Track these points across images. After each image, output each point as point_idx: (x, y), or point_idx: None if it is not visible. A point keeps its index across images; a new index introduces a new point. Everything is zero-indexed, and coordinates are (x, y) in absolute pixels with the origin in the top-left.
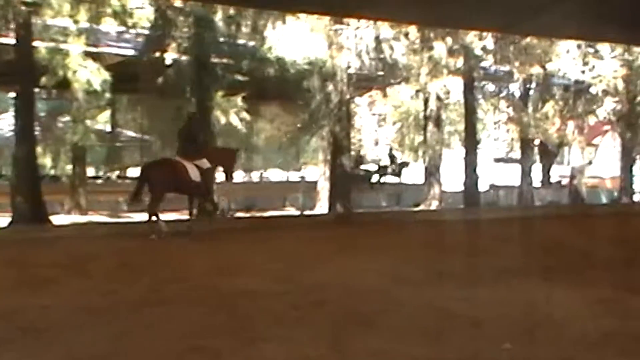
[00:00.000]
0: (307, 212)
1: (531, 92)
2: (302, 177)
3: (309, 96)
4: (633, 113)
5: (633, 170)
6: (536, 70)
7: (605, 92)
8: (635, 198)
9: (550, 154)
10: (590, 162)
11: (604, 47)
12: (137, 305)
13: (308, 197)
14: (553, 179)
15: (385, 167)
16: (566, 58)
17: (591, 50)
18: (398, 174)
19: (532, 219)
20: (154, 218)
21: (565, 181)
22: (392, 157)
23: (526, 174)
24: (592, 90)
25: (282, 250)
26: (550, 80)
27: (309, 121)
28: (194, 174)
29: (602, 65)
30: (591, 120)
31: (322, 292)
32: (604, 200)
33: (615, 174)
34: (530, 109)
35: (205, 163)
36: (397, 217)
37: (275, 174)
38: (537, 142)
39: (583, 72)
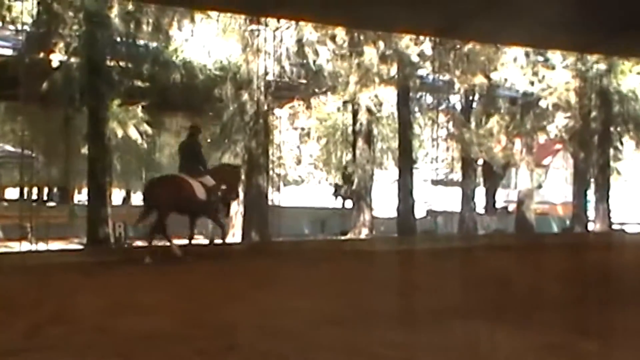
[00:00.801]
0: (217, 241)
1: (474, 105)
2: None
3: (220, 106)
4: (587, 130)
5: (587, 196)
6: (479, 80)
7: (557, 106)
8: (590, 227)
9: (495, 176)
10: (539, 186)
11: (554, 56)
12: (6, 354)
13: None
14: (498, 205)
15: (340, 188)
16: (513, 67)
17: (541, 58)
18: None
19: (474, 250)
20: (159, 242)
21: (511, 207)
22: (347, 177)
23: (468, 198)
24: (542, 103)
25: (188, 285)
26: (495, 92)
27: (221, 136)
28: (200, 193)
29: (553, 76)
30: (541, 138)
31: (232, 335)
32: (555, 229)
33: (568, 200)
34: (472, 125)
35: (209, 180)
36: (321, 247)
37: None
38: (480, 162)
39: (532, 83)
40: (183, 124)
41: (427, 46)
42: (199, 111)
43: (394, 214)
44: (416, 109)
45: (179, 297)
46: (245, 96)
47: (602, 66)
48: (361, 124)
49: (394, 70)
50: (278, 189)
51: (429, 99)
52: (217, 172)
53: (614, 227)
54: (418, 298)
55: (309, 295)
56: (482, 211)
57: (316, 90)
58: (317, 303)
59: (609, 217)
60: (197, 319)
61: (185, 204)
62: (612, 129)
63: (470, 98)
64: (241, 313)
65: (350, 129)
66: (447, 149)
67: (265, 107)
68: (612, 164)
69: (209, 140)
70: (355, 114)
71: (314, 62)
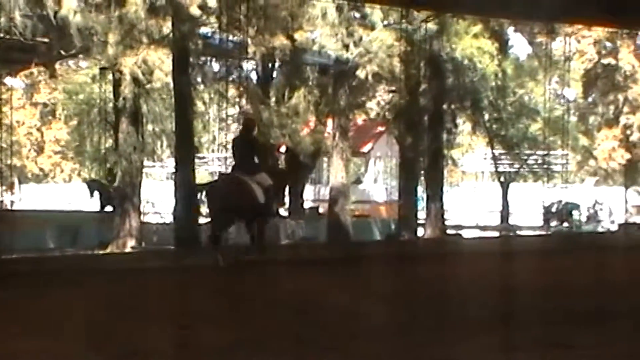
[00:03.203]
0: None
1: (274, 75)
2: None
3: None
4: (415, 108)
5: (417, 193)
6: (280, 42)
7: (378, 77)
8: (420, 232)
9: (301, 167)
10: (358, 180)
11: (374, 12)
12: None
13: None
14: (306, 205)
15: (97, 185)
16: (323, 26)
17: (357, 15)
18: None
19: (274, 267)
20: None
21: (322, 208)
22: (107, 171)
23: None
24: (360, 73)
25: None
26: (300, 58)
27: None
28: (260, 194)
29: (373, 38)
30: (359, 118)
31: None
32: (377, 235)
33: (393, 198)
34: (272, 101)
35: (266, 179)
36: (70, 265)
37: None
38: (282, 149)
39: (346, 47)
40: None
41: None
42: None
43: (171, 219)
44: (199, 79)
45: None
46: None
47: (432, 26)
48: (125, 99)
49: (167, 27)
50: (10, 188)
51: (215, 66)
52: (272, 170)
53: (449, 232)
54: (195, 332)
55: (41, 334)
56: (286, 214)
57: (62, 52)
58: (51, 344)
59: (443, 220)
60: None
61: (247, 207)
62: (445, 106)
63: (269, 66)
64: None
65: (110, 106)
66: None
67: None
68: (445, 151)
69: None
70: (116, 85)
71: (56, 13)
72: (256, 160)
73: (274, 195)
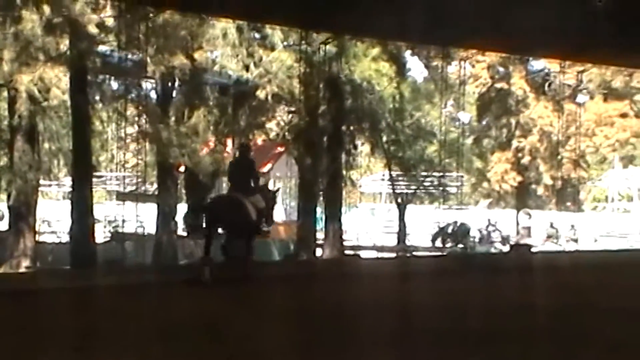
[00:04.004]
0: None
1: (174, 95)
2: None
3: None
4: (314, 129)
5: (316, 213)
6: (180, 61)
7: (277, 98)
8: (318, 252)
9: (201, 187)
10: None
11: (274, 32)
12: None
13: None
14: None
15: None
16: (223, 46)
17: (257, 36)
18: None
19: (171, 289)
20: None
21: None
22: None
23: (166, 216)
24: (260, 94)
25: None
26: (200, 78)
27: None
28: (254, 214)
29: (273, 59)
30: (259, 139)
31: None
32: (276, 255)
33: (292, 218)
34: (172, 120)
35: (260, 201)
36: None
37: None
38: (182, 169)
39: (247, 67)
40: None
41: (109, 14)
42: None
43: (67, 239)
44: (97, 97)
45: None
46: None
47: (332, 48)
48: (20, 116)
49: (65, 45)
50: None
51: (114, 85)
52: (263, 193)
53: (347, 252)
54: (91, 352)
55: None
56: (184, 233)
57: None
58: None
59: (341, 241)
60: None
61: (245, 226)
62: (344, 127)
63: (169, 85)
64: None
65: (5, 124)
66: (139, 151)
67: None
68: (344, 172)
69: None
70: (12, 102)
71: None
72: (252, 183)
73: (265, 216)
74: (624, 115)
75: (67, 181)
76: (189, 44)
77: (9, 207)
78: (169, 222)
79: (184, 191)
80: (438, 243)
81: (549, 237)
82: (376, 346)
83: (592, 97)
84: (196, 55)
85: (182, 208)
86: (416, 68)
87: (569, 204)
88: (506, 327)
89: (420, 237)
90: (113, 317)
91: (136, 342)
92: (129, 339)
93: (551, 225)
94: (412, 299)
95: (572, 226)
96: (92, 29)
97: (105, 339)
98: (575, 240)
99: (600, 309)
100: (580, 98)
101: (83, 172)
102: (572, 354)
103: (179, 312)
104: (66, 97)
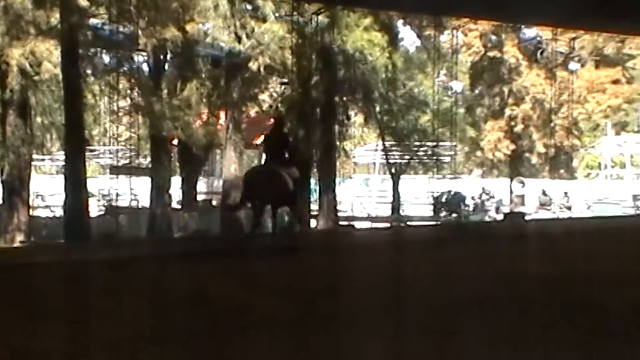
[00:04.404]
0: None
1: (166, 67)
2: None
3: None
4: (307, 100)
5: (310, 184)
6: (171, 33)
7: (270, 69)
8: (313, 223)
9: (195, 160)
10: None
11: (265, 3)
12: None
13: None
14: (200, 197)
15: None
16: (214, 17)
17: (249, 7)
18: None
19: (166, 261)
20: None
21: (216, 200)
22: None
23: (160, 190)
24: (252, 66)
25: None
26: (192, 50)
27: None
28: (291, 185)
29: (265, 30)
30: (252, 110)
31: None
32: (269, 227)
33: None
34: (164, 93)
35: (295, 172)
36: None
37: None
38: (175, 142)
39: (239, 39)
40: None
41: None
42: None
43: (61, 213)
44: (89, 71)
45: None
46: None
47: (324, 19)
48: (12, 90)
49: (56, 18)
50: None
51: (105, 58)
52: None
53: (341, 223)
54: (86, 325)
55: None
56: (178, 206)
57: None
58: None
59: (335, 212)
60: None
61: (282, 197)
62: (337, 98)
63: (161, 57)
64: None
65: None
66: (132, 125)
67: None
68: (338, 143)
69: None
70: (3, 77)
71: None
72: (286, 154)
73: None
74: (616, 82)
75: (60, 155)
76: (181, 16)
77: (2, 182)
78: (163, 195)
79: (177, 164)
80: (436, 212)
81: (542, 204)
82: (372, 313)
83: (584, 65)
84: (188, 27)
85: (176, 181)
86: (408, 38)
87: (562, 171)
88: (500, 294)
89: (415, 207)
90: (107, 291)
91: (129, 315)
92: (122, 312)
93: (544, 193)
94: (408, 268)
95: (566, 193)
96: (83, 2)
97: (99, 312)
98: (569, 208)
99: (590, 276)
100: (573, 65)
101: (76, 146)
102: (564, 318)
103: (168, 285)
104: (58, 70)
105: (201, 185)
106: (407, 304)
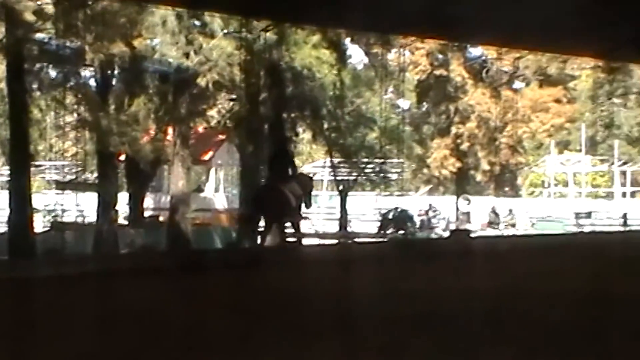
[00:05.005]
0: None
1: (114, 83)
2: None
3: None
4: (255, 116)
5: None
6: (119, 49)
7: (218, 85)
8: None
9: (142, 176)
10: (199, 189)
11: (214, 19)
12: None
13: None
14: (147, 213)
15: None
16: (163, 33)
17: (197, 23)
18: None
19: (112, 277)
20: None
21: (163, 216)
22: None
23: (107, 205)
24: (200, 82)
25: None
26: (140, 66)
27: None
28: (294, 201)
29: (213, 46)
30: (200, 126)
31: None
32: (218, 243)
33: (234, 206)
34: (112, 108)
35: (298, 190)
36: None
37: None
38: (122, 157)
39: (187, 55)
40: None
41: (47, 0)
42: None
43: (4, 229)
44: (35, 85)
45: None
46: None
47: (272, 36)
48: None
49: (1, 32)
50: None
51: (52, 72)
52: (300, 180)
53: (289, 239)
54: (27, 341)
55: None
56: (125, 222)
57: None
58: None
59: (283, 228)
60: None
61: (286, 213)
62: (285, 115)
63: (109, 73)
64: None
65: None
66: (78, 140)
67: None
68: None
69: None
70: None
71: None
72: (289, 171)
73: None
74: (558, 101)
75: (5, 171)
76: (128, 32)
77: None
78: (110, 211)
79: (124, 180)
80: (383, 229)
81: (490, 223)
82: (322, 331)
83: (528, 84)
84: (135, 42)
85: (122, 197)
86: (356, 55)
87: (506, 189)
88: (439, 311)
89: (362, 223)
90: (49, 309)
91: (71, 331)
92: (65, 328)
93: (493, 211)
94: (356, 284)
95: (510, 211)
96: (29, 16)
97: (41, 329)
98: (513, 225)
99: (532, 292)
100: (517, 84)
101: (21, 161)
102: (506, 334)
103: (112, 302)
104: (3, 85)
105: (148, 201)
106: (351, 320)
